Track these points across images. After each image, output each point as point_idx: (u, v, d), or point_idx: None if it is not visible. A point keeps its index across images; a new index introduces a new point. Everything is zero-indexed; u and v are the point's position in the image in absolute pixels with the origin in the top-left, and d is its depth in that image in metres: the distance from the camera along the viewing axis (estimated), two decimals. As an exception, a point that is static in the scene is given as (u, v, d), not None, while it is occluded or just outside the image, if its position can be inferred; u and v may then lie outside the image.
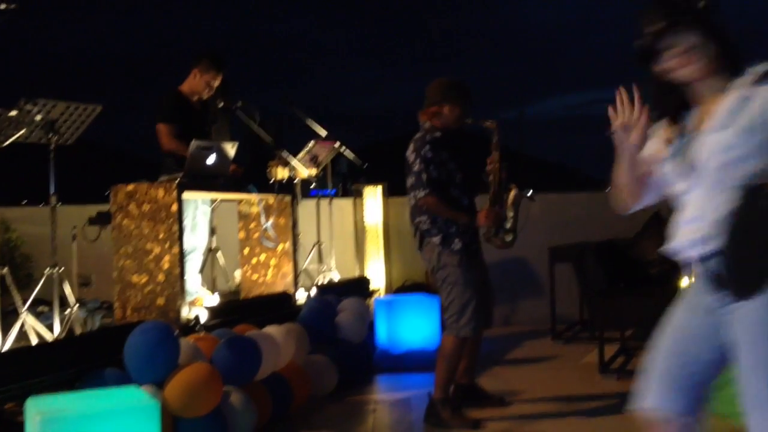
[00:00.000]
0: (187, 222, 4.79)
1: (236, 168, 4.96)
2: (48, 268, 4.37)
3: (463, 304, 3.81)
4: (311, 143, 6.37)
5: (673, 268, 5.47)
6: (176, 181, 4.22)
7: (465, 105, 3.94)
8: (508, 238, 3.92)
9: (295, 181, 5.85)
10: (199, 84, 4.94)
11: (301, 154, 6.35)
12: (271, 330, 4.10)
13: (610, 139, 2.01)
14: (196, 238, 5.03)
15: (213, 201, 5.22)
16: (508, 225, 3.90)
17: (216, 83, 4.97)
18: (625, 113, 1.96)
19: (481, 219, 3.85)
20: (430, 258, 3.92)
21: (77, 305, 4.48)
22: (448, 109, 3.91)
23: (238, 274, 5.73)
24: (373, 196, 7.20)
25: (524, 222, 3.99)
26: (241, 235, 5.47)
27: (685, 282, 5.03)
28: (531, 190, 3.93)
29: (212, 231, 5.49)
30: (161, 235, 4.18)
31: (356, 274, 7.09)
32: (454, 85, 3.96)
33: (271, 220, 5.29)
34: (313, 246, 6.65)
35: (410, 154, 3.90)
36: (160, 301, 4.18)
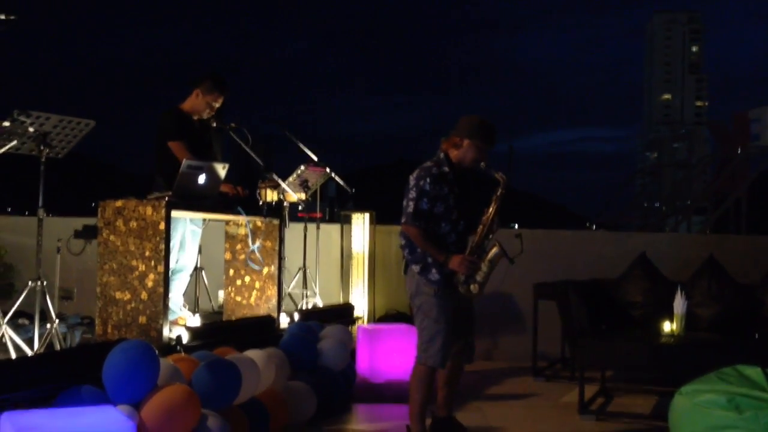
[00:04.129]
0: (175, 241, 4.76)
1: (241, 189, 4.98)
2: (31, 282, 4.34)
3: (432, 333, 3.83)
4: (302, 167, 6.39)
5: (655, 311, 5.51)
6: (165, 200, 4.21)
7: (483, 149, 3.92)
8: (475, 290, 3.83)
9: (284, 205, 5.85)
10: (200, 104, 4.93)
11: (291, 178, 6.36)
12: (252, 354, 4.07)
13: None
14: (184, 258, 5.00)
15: (204, 221, 5.19)
16: (479, 278, 3.82)
17: (217, 104, 4.96)
18: None
19: (454, 262, 3.80)
20: (409, 284, 3.96)
21: (58, 321, 4.43)
22: (467, 144, 3.90)
23: (221, 295, 5.70)
24: (360, 223, 7.21)
25: (503, 276, 3.96)
26: (227, 255, 5.45)
27: (666, 326, 5.08)
28: (513, 258, 3.81)
29: (198, 250, 5.46)
30: (147, 253, 4.16)
31: (340, 300, 7.07)
32: (483, 126, 3.92)
33: (258, 243, 5.28)
34: (298, 270, 6.64)
35: (411, 179, 3.92)
36: (142, 319, 4.15)
